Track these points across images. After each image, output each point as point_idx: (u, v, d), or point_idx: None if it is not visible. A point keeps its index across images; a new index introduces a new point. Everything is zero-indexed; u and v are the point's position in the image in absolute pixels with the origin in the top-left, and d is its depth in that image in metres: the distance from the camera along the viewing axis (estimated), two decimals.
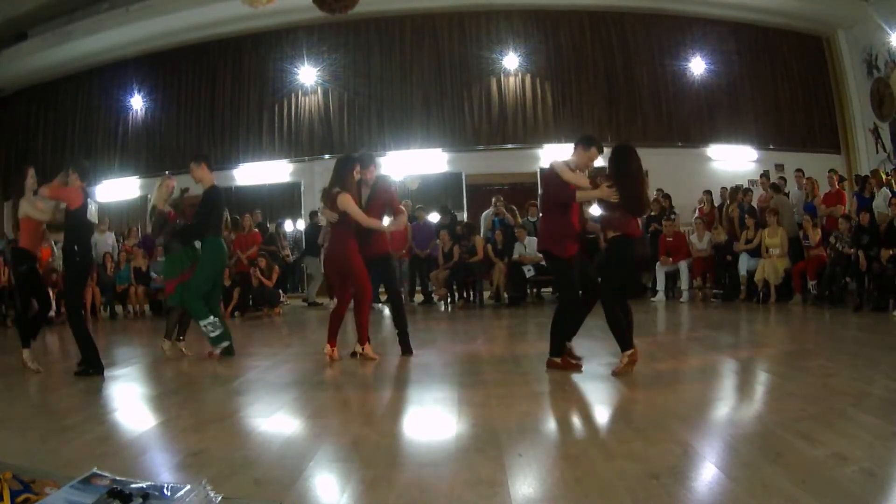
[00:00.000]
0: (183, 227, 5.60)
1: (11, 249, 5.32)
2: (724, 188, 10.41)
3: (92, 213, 4.99)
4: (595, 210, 4.67)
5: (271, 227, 11.42)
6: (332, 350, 4.99)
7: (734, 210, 9.41)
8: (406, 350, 5.15)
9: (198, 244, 5.56)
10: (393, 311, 5.34)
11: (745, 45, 12.67)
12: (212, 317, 5.27)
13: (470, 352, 5.52)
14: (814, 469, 2.25)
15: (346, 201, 4.83)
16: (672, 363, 4.48)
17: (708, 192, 10.27)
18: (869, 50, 11.73)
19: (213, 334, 5.30)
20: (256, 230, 10.34)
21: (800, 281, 8.10)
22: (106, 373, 4.78)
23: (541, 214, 4.99)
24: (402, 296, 5.39)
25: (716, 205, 10.18)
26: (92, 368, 4.73)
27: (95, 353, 4.78)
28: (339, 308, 5.14)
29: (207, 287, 5.37)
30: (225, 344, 5.33)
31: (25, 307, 5.25)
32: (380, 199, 5.23)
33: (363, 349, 5.01)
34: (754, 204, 9.58)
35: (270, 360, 5.27)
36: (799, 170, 9.80)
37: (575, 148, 4.40)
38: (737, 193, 9.75)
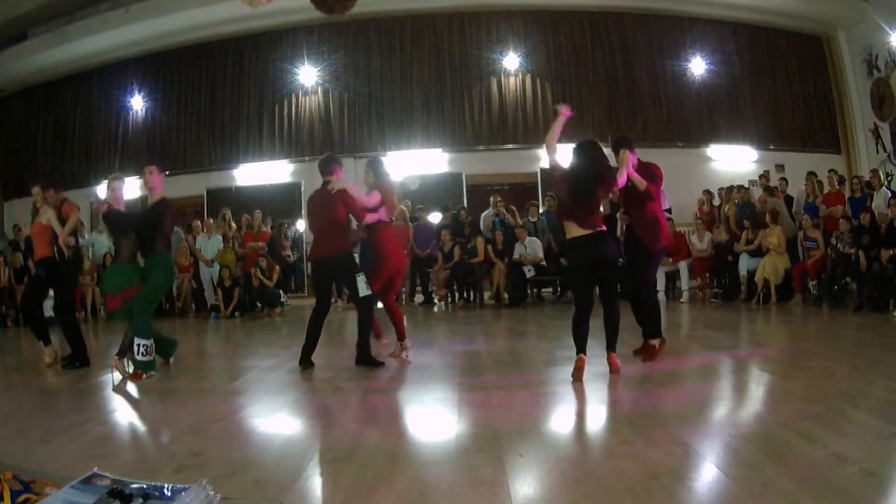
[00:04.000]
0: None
1: (39, 262, 5.43)
2: (720, 189, 10.40)
3: None
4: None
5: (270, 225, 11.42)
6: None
7: (731, 209, 9.42)
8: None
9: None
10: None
11: (745, 45, 12.67)
12: (152, 340, 4.82)
13: (470, 352, 5.52)
14: (814, 469, 2.24)
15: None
16: (672, 363, 4.48)
17: (707, 192, 10.28)
18: (869, 50, 11.74)
19: (142, 357, 4.71)
20: (266, 230, 10.41)
21: (800, 281, 8.10)
22: (106, 374, 4.83)
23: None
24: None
25: (714, 205, 10.18)
26: (79, 361, 5.18)
27: (84, 347, 5.25)
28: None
29: (155, 305, 5.21)
30: (151, 372, 4.76)
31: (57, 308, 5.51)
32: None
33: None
34: (752, 202, 9.59)
35: (271, 360, 5.27)
36: (812, 172, 9.71)
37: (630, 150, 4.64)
38: (731, 192, 9.77)
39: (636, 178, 4.57)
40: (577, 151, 4.22)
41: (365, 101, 12.58)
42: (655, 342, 4.66)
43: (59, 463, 2.64)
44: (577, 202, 4.12)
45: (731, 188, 10.01)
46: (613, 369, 4.08)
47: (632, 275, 4.86)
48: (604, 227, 4.12)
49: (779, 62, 12.69)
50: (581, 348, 4.03)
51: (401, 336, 5.08)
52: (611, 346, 4.13)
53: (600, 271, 4.14)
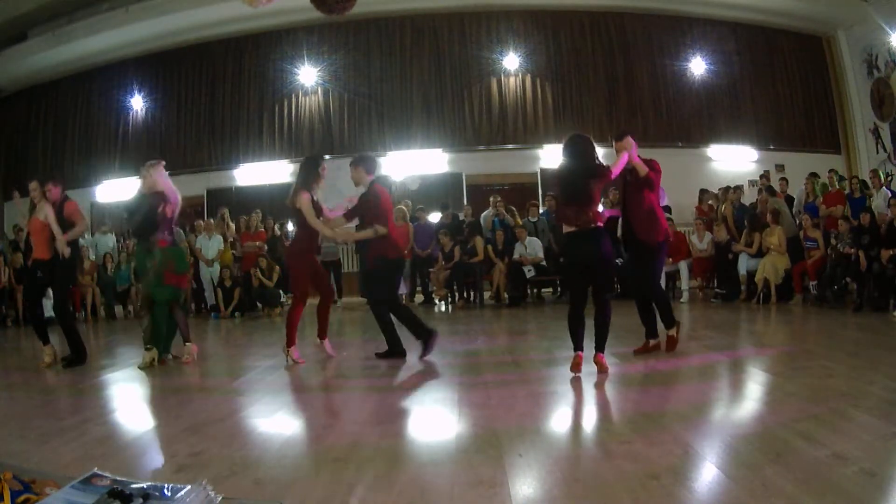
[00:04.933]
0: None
1: (36, 262, 5.42)
2: (719, 189, 10.40)
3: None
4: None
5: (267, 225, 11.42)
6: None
7: (727, 209, 9.43)
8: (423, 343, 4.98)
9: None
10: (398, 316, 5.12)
11: (745, 45, 12.68)
12: None
13: (470, 352, 5.52)
14: (814, 469, 2.24)
15: (301, 200, 4.93)
16: (672, 363, 4.48)
17: (704, 191, 10.27)
18: (869, 50, 11.74)
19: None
20: (262, 229, 10.42)
21: (800, 281, 8.10)
22: (106, 374, 4.87)
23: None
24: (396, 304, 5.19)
25: (710, 203, 10.18)
26: (77, 358, 5.23)
27: (82, 345, 5.32)
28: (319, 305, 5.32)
29: None
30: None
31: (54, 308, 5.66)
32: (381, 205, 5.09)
33: (288, 351, 5.01)
34: (745, 202, 9.60)
35: (271, 360, 5.27)
36: (813, 173, 9.71)
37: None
38: (727, 193, 9.79)
39: (638, 162, 4.57)
40: (565, 148, 4.26)
41: (365, 101, 12.59)
42: (673, 331, 4.77)
43: (59, 463, 2.64)
44: (570, 197, 4.17)
45: (727, 188, 10.04)
46: (601, 369, 4.08)
47: (637, 274, 4.88)
48: (600, 224, 4.12)
49: (779, 62, 12.70)
50: (578, 346, 4.09)
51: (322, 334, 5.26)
52: (599, 347, 4.14)
53: (592, 269, 4.14)
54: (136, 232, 5.19)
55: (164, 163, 5.34)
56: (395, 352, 4.98)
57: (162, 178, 5.22)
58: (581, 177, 4.10)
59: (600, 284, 4.24)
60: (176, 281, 5.27)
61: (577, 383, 3.90)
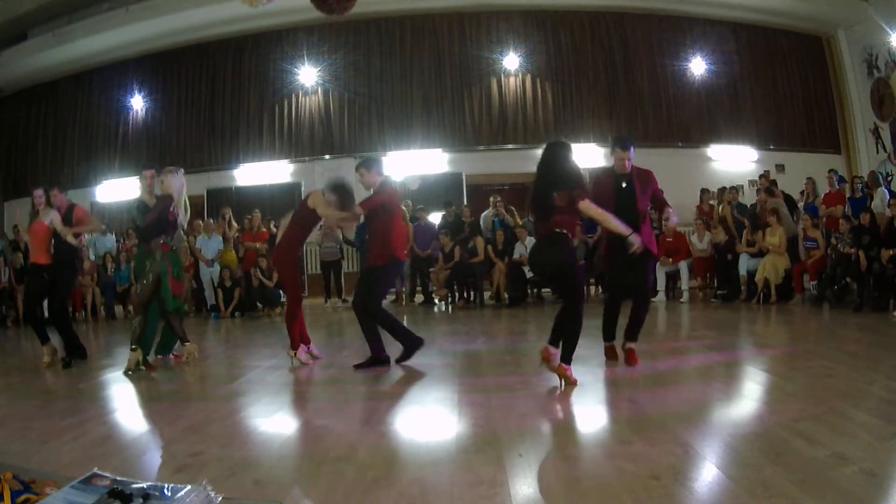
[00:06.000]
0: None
1: (38, 266, 5.41)
2: (719, 188, 10.39)
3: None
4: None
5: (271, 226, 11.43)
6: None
7: (725, 209, 9.43)
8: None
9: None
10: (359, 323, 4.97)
11: (745, 45, 12.68)
12: None
13: (470, 352, 5.52)
14: (814, 469, 2.25)
15: (316, 199, 4.93)
16: (672, 363, 4.48)
17: (705, 191, 10.28)
18: (869, 50, 11.74)
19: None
20: (265, 229, 10.42)
21: (800, 281, 8.10)
22: (106, 374, 4.87)
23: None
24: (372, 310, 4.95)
25: (711, 203, 10.17)
26: (77, 355, 5.37)
27: (80, 344, 5.48)
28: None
29: None
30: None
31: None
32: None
33: (295, 354, 4.94)
34: (745, 202, 9.59)
35: (271, 360, 5.27)
36: (809, 178, 9.71)
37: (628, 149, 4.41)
38: (724, 193, 9.78)
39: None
40: (541, 155, 4.08)
41: (365, 101, 12.58)
42: (610, 344, 4.54)
43: (59, 463, 2.64)
44: (533, 206, 4.11)
45: (723, 189, 10.03)
46: (542, 358, 3.90)
47: (632, 280, 4.73)
48: (563, 231, 3.91)
49: (779, 62, 12.69)
50: (551, 340, 3.94)
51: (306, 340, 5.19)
52: (551, 340, 3.94)
53: (551, 275, 4.11)
54: (146, 231, 5.13)
55: (182, 170, 5.35)
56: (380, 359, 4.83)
57: (178, 184, 5.20)
58: (544, 187, 3.93)
59: (562, 289, 4.11)
60: (177, 288, 5.23)
61: (576, 384, 3.90)
